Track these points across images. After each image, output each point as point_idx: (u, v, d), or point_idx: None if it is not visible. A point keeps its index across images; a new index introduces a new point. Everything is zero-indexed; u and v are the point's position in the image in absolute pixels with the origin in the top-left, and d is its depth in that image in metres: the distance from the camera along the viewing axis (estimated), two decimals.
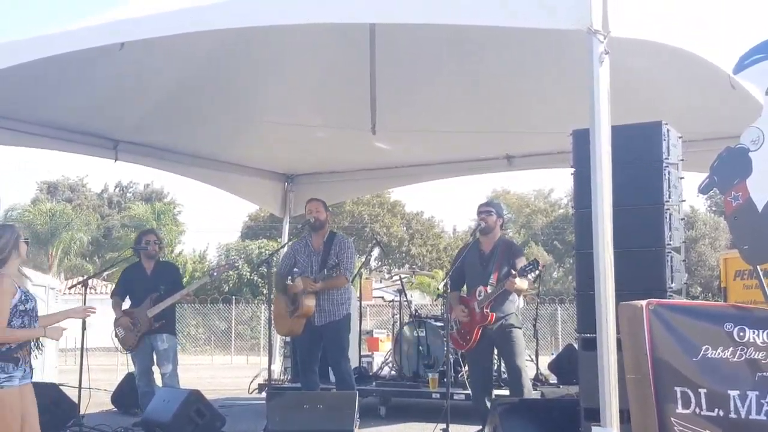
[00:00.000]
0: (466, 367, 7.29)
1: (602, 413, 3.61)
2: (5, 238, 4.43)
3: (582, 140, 4.15)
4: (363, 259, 12.99)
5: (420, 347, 8.08)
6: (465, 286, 6.31)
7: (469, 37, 6.01)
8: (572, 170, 4.70)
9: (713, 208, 31.76)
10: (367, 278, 15.75)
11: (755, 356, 3.57)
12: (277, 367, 9.12)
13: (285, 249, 8.03)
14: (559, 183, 41.57)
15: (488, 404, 5.89)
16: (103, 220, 38.15)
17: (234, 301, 23.94)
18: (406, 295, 9.12)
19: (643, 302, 3.74)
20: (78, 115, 7.15)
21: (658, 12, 4.21)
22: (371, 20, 5.19)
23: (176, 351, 7.40)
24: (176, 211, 38.33)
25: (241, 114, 7.75)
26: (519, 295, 6.27)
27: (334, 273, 6.51)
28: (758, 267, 3.99)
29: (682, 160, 4.75)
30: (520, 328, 6.14)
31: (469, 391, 6.72)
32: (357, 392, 6.22)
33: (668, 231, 4.43)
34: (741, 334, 3.60)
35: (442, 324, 7.79)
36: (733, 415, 3.53)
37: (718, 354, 3.59)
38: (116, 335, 7.30)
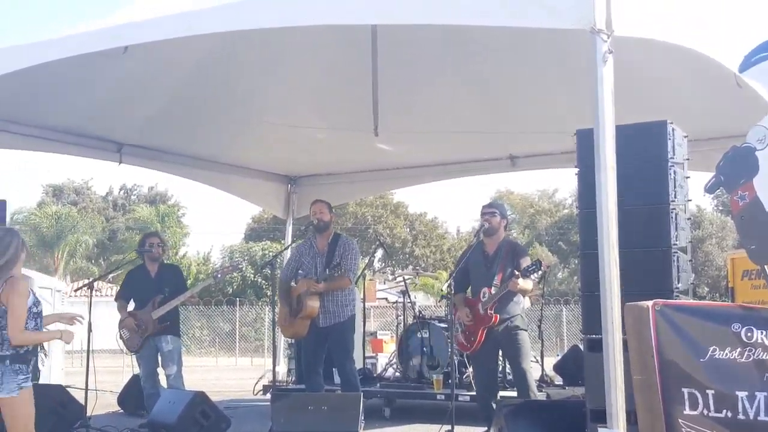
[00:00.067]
0: (471, 369, 7.27)
1: (609, 415, 3.59)
2: (14, 241, 4.48)
3: (586, 140, 4.13)
4: (366, 261, 12.99)
5: (424, 348, 8.06)
6: (470, 288, 6.29)
7: (471, 37, 6.00)
8: (576, 170, 4.69)
9: (720, 208, 31.65)
10: (370, 279, 15.71)
11: (763, 357, 3.54)
12: (282, 368, 9.13)
13: (289, 251, 8.05)
14: (563, 183, 41.43)
15: (493, 406, 5.88)
16: (108, 223, 38.22)
17: (238, 303, 23.94)
18: (409, 297, 9.11)
19: (650, 303, 3.72)
20: (82, 118, 7.17)
21: (662, 10, 4.19)
22: (372, 21, 5.18)
23: (181, 352, 7.42)
24: (180, 214, 38.39)
25: (244, 116, 7.75)
26: (524, 296, 6.24)
27: (336, 273, 6.50)
28: (766, 267, 3.97)
29: (688, 159, 4.72)
30: (526, 330, 6.11)
31: (474, 393, 6.71)
32: (362, 393, 6.22)
33: (674, 231, 4.41)
34: (749, 334, 3.58)
35: (447, 325, 7.77)
36: (741, 417, 3.50)
37: (726, 355, 3.57)
38: (121, 337, 7.33)
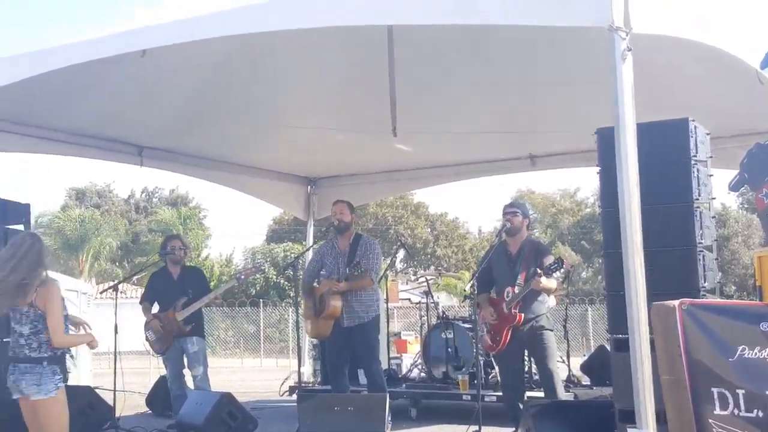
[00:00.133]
0: (497, 369, 7.26)
1: (638, 415, 3.58)
2: (36, 245, 4.58)
3: (607, 138, 4.10)
4: (388, 261, 13.00)
5: (449, 349, 8.06)
6: (494, 288, 6.29)
7: (488, 36, 5.98)
8: (598, 169, 4.67)
9: (745, 206, 31.26)
10: (393, 280, 15.72)
11: None
12: (307, 369, 9.17)
13: (310, 252, 8.08)
14: (584, 182, 41.23)
15: (520, 406, 5.87)
16: (130, 225, 38.55)
17: (262, 305, 24.05)
18: (432, 297, 9.12)
19: (676, 302, 3.69)
20: (104, 121, 7.21)
21: (681, 7, 4.16)
22: (390, 22, 5.17)
23: (206, 353, 7.48)
24: (201, 216, 38.66)
25: (262, 118, 7.77)
26: (548, 295, 6.23)
27: (356, 272, 6.53)
28: None
29: (711, 156, 4.68)
30: (552, 330, 6.09)
31: (500, 393, 6.70)
32: (388, 394, 6.23)
33: (699, 229, 4.36)
34: None
35: (470, 325, 7.77)
36: None
37: (755, 354, 3.53)
38: (147, 339, 7.40)
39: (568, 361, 8.09)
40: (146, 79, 6.36)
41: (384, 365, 8.15)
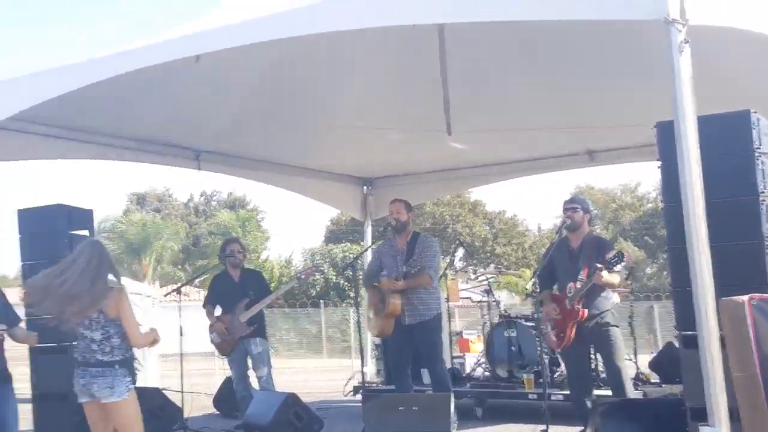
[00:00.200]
0: (562, 367, 7.18)
1: (710, 412, 3.53)
2: (107, 251, 4.73)
3: (667, 132, 4.02)
4: (447, 260, 12.95)
5: (512, 347, 8.00)
6: (556, 284, 6.24)
7: (541, 31, 5.92)
8: (659, 163, 4.59)
9: None
10: (453, 279, 15.65)
11: None
12: (371, 369, 9.21)
13: (369, 252, 8.13)
14: (645, 176, 40.31)
15: (588, 405, 5.80)
16: (191, 229, 39.33)
17: (323, 305, 24.25)
18: (493, 295, 9.07)
19: (745, 297, 3.62)
20: (160, 127, 7.30)
21: None
22: (444, 20, 5.13)
23: (269, 354, 7.58)
24: (260, 218, 39.20)
25: (316, 120, 7.82)
26: (612, 291, 6.14)
27: (413, 269, 6.54)
28: None
29: None
30: (617, 326, 6.00)
31: (567, 392, 6.63)
32: (452, 394, 6.21)
33: (765, 222, 4.26)
34: None
35: (533, 323, 7.70)
36: None
37: None
38: (212, 341, 7.54)
39: (636, 359, 7.95)
40: (202, 84, 6.45)
41: (447, 364, 8.15)
